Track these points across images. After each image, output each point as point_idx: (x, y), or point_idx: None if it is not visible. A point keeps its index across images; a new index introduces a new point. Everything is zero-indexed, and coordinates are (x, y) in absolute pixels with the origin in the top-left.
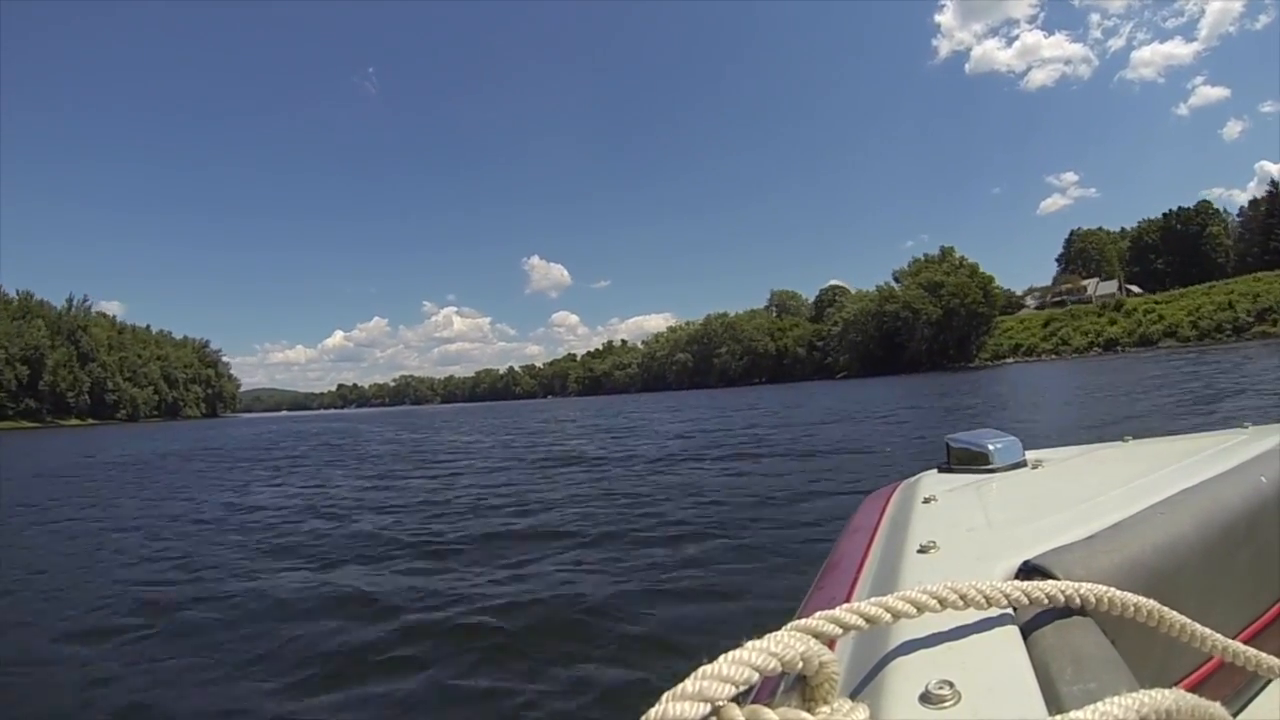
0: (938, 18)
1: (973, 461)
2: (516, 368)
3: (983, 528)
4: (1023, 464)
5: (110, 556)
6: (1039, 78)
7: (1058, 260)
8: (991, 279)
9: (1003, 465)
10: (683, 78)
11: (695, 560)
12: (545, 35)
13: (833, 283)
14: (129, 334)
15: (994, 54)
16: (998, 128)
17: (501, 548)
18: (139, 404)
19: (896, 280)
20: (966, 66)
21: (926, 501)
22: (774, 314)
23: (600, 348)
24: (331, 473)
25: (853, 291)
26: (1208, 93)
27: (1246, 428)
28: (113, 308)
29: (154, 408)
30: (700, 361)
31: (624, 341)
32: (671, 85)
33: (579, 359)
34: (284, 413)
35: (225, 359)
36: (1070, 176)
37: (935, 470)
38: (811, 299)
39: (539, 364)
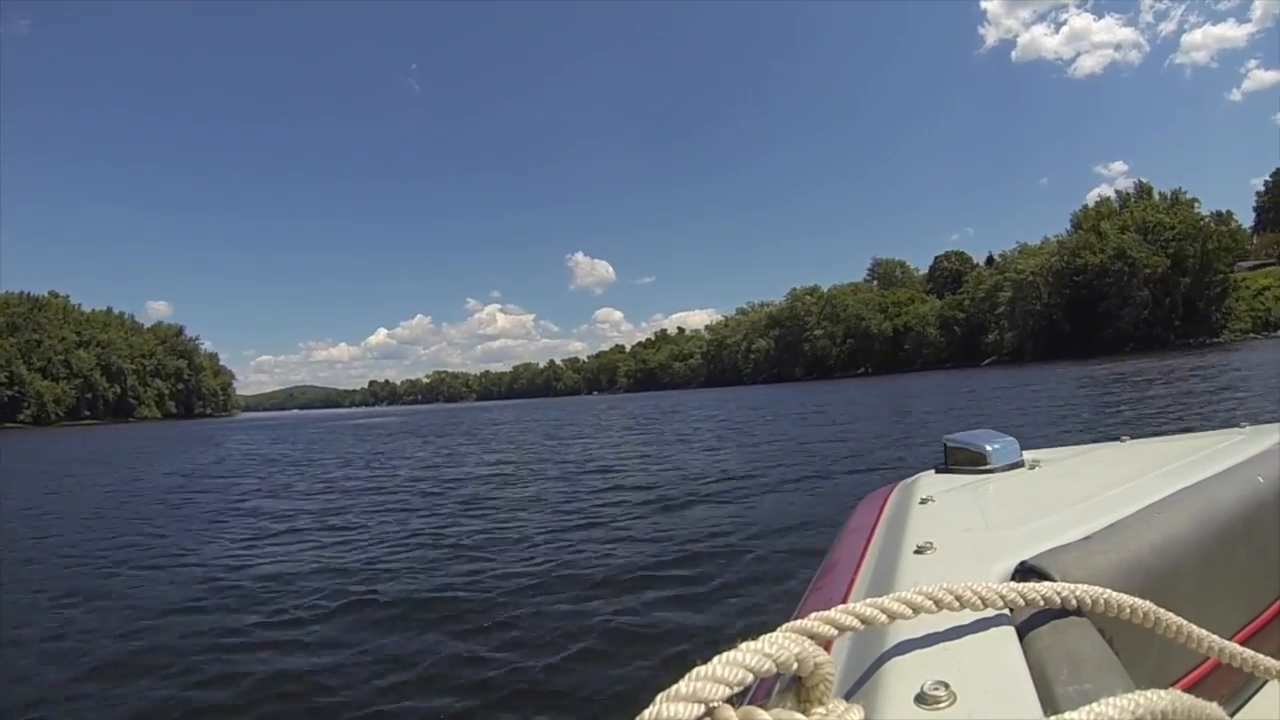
0: (984, 4)
1: (970, 462)
2: (558, 361)
3: (979, 528)
4: (1020, 464)
5: None
6: (1088, 64)
7: (1255, 209)
8: (1231, 215)
9: (1000, 466)
10: (726, 73)
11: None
12: (588, 32)
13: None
14: (53, 311)
15: (1041, 41)
16: (1045, 117)
17: (497, 554)
18: (47, 402)
19: (1077, 228)
20: (1013, 54)
21: (924, 502)
22: (873, 287)
23: (654, 336)
24: None
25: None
26: (1262, 76)
27: (1244, 427)
28: (160, 308)
29: (83, 406)
30: (784, 349)
31: (680, 330)
32: (715, 81)
33: (628, 350)
34: (293, 412)
35: (206, 347)
36: (1119, 166)
37: (933, 471)
38: (923, 269)
39: (584, 357)
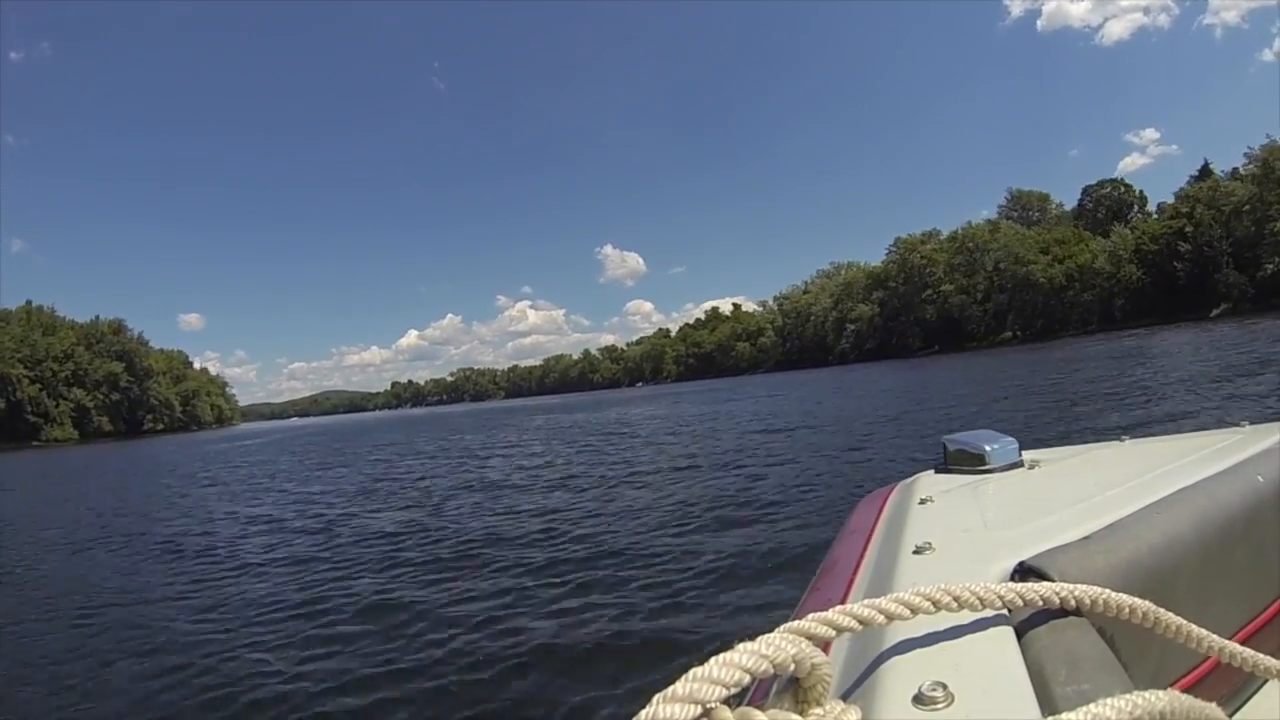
0: None
1: (969, 462)
2: (594, 351)
3: (978, 529)
4: (1019, 464)
5: None
6: (1116, 30)
7: None
8: None
9: (999, 466)
10: (751, 58)
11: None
12: (612, 23)
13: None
14: None
15: (1067, 8)
16: (1074, 87)
17: (495, 550)
18: None
19: None
20: (1039, 24)
21: (923, 502)
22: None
23: (705, 315)
24: None
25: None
26: None
27: (1243, 426)
28: (192, 320)
29: None
30: (892, 315)
31: (737, 306)
32: (740, 67)
33: (674, 334)
34: (293, 420)
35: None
36: (1150, 134)
37: (932, 471)
38: (1070, 205)
39: (623, 345)
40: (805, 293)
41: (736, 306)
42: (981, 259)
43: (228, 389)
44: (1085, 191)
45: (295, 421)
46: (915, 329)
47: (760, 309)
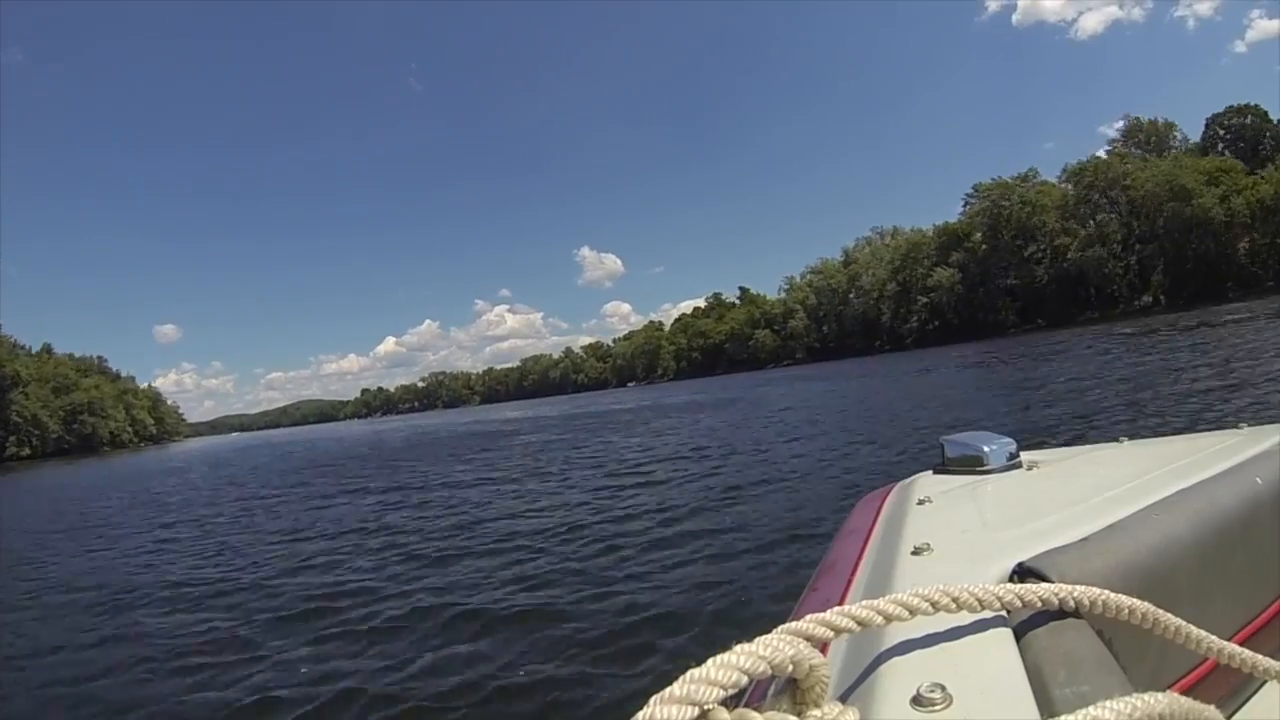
0: None
1: (968, 463)
2: (576, 349)
3: (977, 529)
4: (1018, 465)
5: None
6: (1090, 24)
7: None
8: None
9: (998, 467)
10: (725, 56)
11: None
12: (586, 22)
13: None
14: None
15: (1042, 3)
16: (1048, 81)
17: (490, 546)
18: None
19: None
20: (1014, 18)
21: (921, 503)
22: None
23: (706, 303)
24: None
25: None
26: (1266, 26)
27: (1242, 428)
28: (168, 331)
29: None
30: (972, 283)
31: (745, 290)
32: (714, 65)
33: (670, 327)
34: (232, 436)
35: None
36: (1124, 125)
37: (930, 472)
38: (1194, 137)
39: (610, 340)
40: (848, 264)
41: (745, 290)
42: (1117, 198)
43: (165, 401)
44: (1211, 121)
45: (233, 437)
46: (1007, 298)
47: (789, 286)
